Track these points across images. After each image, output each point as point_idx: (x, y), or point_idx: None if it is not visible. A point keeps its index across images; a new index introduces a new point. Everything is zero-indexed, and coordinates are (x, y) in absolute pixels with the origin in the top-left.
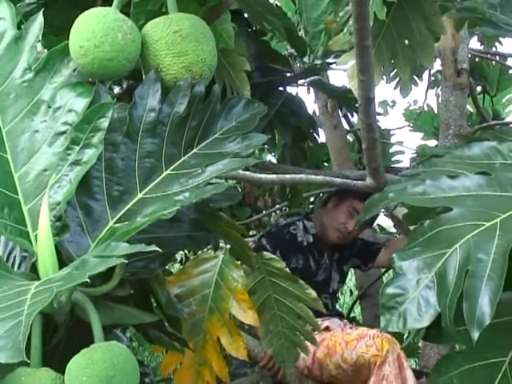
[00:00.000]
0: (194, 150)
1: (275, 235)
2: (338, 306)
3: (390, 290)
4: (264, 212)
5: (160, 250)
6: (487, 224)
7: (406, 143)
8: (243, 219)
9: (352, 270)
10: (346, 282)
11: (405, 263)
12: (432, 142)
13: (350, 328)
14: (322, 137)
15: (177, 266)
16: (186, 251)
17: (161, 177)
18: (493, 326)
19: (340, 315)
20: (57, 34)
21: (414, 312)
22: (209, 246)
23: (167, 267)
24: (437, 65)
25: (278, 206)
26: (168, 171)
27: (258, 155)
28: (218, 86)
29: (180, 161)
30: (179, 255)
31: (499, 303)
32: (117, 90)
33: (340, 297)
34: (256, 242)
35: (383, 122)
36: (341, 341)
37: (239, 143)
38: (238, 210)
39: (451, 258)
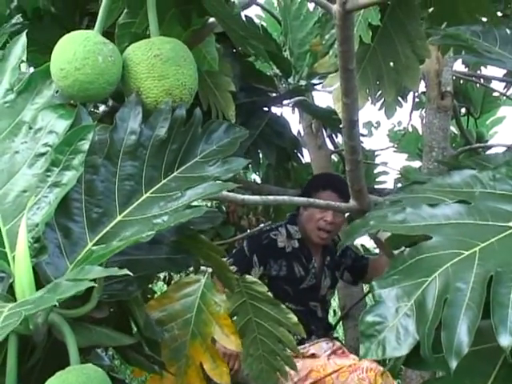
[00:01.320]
0: (174, 173)
1: (254, 239)
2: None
3: (369, 318)
4: (248, 231)
5: (131, 274)
6: (466, 253)
7: (391, 164)
8: (227, 238)
9: (336, 290)
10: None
11: (384, 291)
12: (416, 163)
13: (339, 355)
14: (306, 157)
15: (160, 284)
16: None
17: (140, 199)
18: (472, 354)
19: (330, 328)
20: (43, 52)
21: (393, 340)
22: (190, 269)
23: (150, 286)
24: (421, 86)
25: (262, 225)
26: (148, 194)
27: (242, 175)
28: (203, 105)
29: (160, 184)
30: (163, 274)
31: (478, 331)
32: (102, 107)
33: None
34: (238, 247)
35: (368, 143)
36: (331, 372)
37: (219, 167)
38: (222, 228)
39: (430, 287)
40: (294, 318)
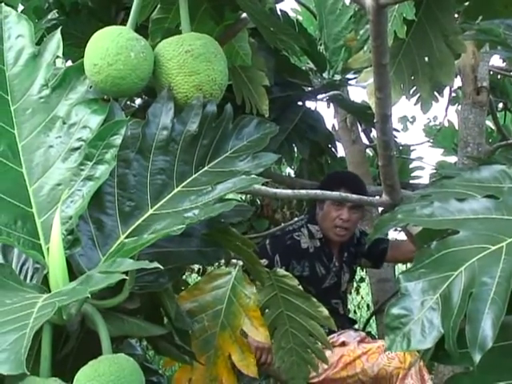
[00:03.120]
0: (205, 168)
1: (277, 239)
2: (352, 316)
3: (394, 311)
4: (282, 224)
5: (161, 267)
6: (493, 247)
7: (426, 159)
8: (261, 231)
9: (368, 284)
10: (364, 296)
11: (410, 284)
12: (452, 159)
13: (367, 342)
14: (340, 151)
15: (194, 276)
16: None
17: (172, 193)
18: (498, 349)
19: (353, 322)
20: (79, 45)
21: (418, 333)
22: (221, 262)
23: (184, 277)
24: (458, 81)
25: (296, 219)
26: (179, 188)
27: (276, 169)
28: (237, 99)
29: (191, 178)
30: (197, 266)
31: (505, 326)
32: (138, 101)
33: (357, 311)
34: (261, 244)
35: (403, 138)
36: (361, 354)
37: (250, 162)
38: (256, 222)
39: (456, 281)
40: (325, 312)
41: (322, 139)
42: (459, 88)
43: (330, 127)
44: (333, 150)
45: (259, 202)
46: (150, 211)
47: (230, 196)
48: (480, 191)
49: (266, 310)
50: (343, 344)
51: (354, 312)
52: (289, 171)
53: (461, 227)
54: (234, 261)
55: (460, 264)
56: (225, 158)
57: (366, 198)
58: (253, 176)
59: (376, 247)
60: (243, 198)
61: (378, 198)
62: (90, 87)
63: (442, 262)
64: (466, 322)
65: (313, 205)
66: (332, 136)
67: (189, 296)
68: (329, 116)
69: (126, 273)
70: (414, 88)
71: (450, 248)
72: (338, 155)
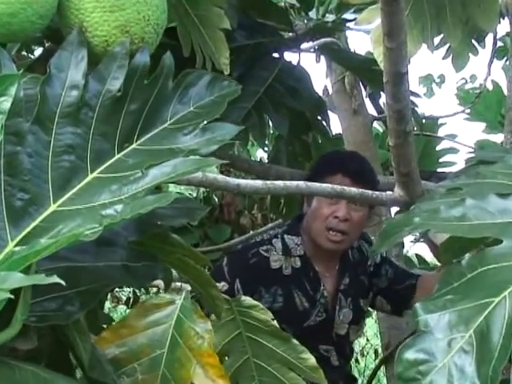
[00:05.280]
0: (133, 145)
1: (237, 256)
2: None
3: (410, 355)
4: (251, 233)
5: (63, 283)
6: None
7: (461, 138)
8: (220, 243)
9: (375, 319)
10: (370, 338)
11: (432, 317)
12: (497, 137)
13: None
14: (335, 126)
15: (122, 308)
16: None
17: (84, 182)
18: None
19: (353, 380)
20: None
21: None
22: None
23: (107, 310)
24: (506, 24)
25: (270, 225)
26: (95, 174)
27: (241, 151)
28: (184, 49)
29: (113, 159)
30: (125, 293)
31: None
32: (38, 51)
33: (360, 359)
34: (218, 264)
35: (427, 107)
36: None
37: (198, 136)
38: (213, 229)
39: (498, 311)
40: (311, 359)
41: (307, 108)
42: (507, 35)
43: (320, 91)
44: (324, 123)
45: (217, 201)
46: (53, 207)
47: (171, 189)
48: None
49: (226, 358)
50: None
51: (357, 361)
52: (260, 156)
53: (504, 235)
54: (178, 284)
55: (503, 287)
56: (162, 130)
57: (369, 192)
58: (202, 157)
59: (401, 281)
60: (192, 193)
61: (388, 193)
62: None
63: (477, 285)
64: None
65: (300, 204)
66: (323, 103)
67: (113, 337)
68: (318, 75)
69: (16, 295)
70: (442, 35)
71: (488, 265)
72: (332, 132)
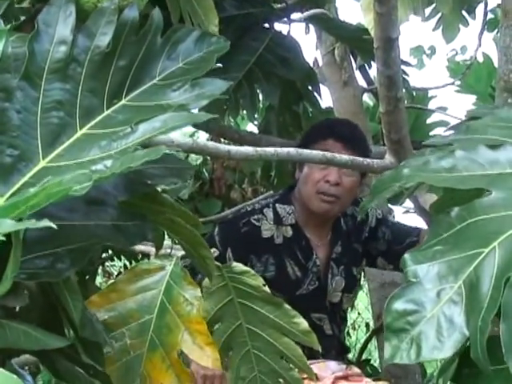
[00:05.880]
0: (122, 102)
1: (228, 226)
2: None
3: (399, 306)
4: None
5: (54, 226)
6: None
7: (452, 110)
8: (210, 216)
9: (366, 292)
10: (362, 311)
11: (422, 268)
12: None
13: (352, 380)
14: (326, 99)
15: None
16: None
17: (73, 138)
18: None
19: (344, 349)
20: None
21: (433, 336)
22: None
23: (98, 284)
24: None
25: (260, 197)
26: (84, 130)
27: (232, 125)
28: (173, 16)
29: (102, 116)
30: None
31: None
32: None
33: (351, 332)
34: (209, 234)
35: (417, 78)
36: None
37: (187, 92)
38: (203, 203)
39: (487, 262)
40: (303, 324)
41: (298, 77)
42: (498, 6)
43: (310, 63)
44: (315, 94)
45: (207, 175)
46: (42, 163)
47: None
48: None
49: (218, 324)
50: (314, 379)
51: (348, 334)
52: (250, 130)
53: (494, 186)
54: (168, 251)
55: (493, 238)
56: (151, 86)
57: (360, 159)
58: (192, 112)
59: (402, 240)
60: None
61: (379, 160)
62: None
63: (466, 236)
64: (500, 321)
65: (292, 171)
66: (313, 73)
67: (103, 301)
68: (308, 46)
69: (7, 255)
70: (434, 5)
71: (478, 216)
72: (323, 104)
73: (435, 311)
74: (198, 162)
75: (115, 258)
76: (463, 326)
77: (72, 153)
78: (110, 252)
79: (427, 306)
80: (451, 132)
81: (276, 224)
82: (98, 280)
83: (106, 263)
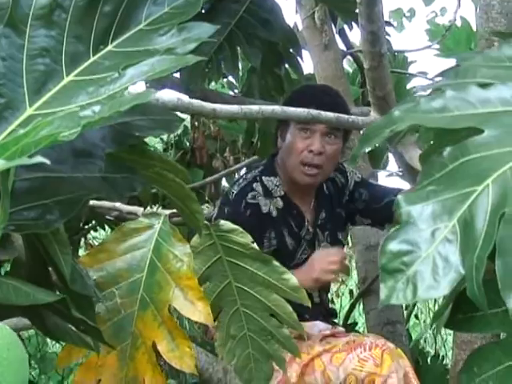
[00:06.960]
0: (109, 47)
1: (233, 216)
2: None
3: (393, 246)
4: (223, 172)
5: (48, 162)
6: None
7: (432, 74)
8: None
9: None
10: (344, 279)
11: (415, 208)
12: None
13: (337, 336)
14: (306, 62)
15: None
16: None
17: (60, 84)
18: None
19: (330, 315)
20: None
21: (428, 276)
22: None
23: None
24: None
25: (242, 164)
26: (71, 77)
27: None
28: None
29: (88, 62)
30: (99, 240)
31: None
32: None
33: (335, 300)
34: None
35: (397, 41)
36: (322, 351)
37: (174, 36)
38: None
39: (481, 199)
40: (292, 279)
41: (279, 38)
42: None
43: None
44: (297, 57)
45: (188, 145)
46: (29, 111)
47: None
48: None
49: (207, 284)
50: (301, 337)
51: (332, 301)
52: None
53: (486, 125)
54: (155, 209)
55: (486, 175)
56: (137, 31)
57: (345, 116)
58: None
59: (380, 200)
60: (163, 138)
61: (364, 117)
62: None
63: (459, 175)
64: (495, 256)
65: (274, 140)
66: (294, 35)
67: (92, 262)
68: (287, 10)
69: None
70: None
71: (470, 154)
72: (304, 69)
73: (430, 251)
74: (179, 132)
75: (98, 229)
76: (459, 265)
77: (59, 100)
78: (93, 222)
79: (422, 245)
80: (440, 78)
81: (267, 197)
82: (81, 252)
83: (89, 235)
